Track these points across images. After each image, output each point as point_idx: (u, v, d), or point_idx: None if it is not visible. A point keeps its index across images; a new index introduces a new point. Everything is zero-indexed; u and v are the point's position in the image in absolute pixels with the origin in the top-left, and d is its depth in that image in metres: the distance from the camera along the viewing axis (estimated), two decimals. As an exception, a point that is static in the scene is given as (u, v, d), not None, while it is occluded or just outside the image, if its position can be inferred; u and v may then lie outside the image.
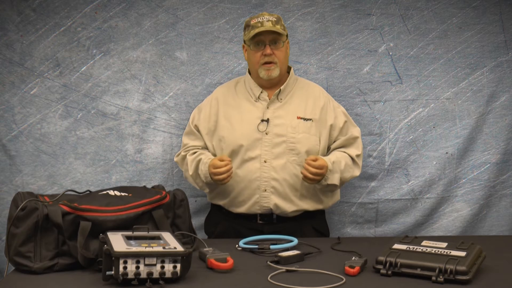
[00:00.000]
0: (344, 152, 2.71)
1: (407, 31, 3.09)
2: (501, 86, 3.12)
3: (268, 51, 2.60)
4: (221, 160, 2.55)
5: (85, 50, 3.00)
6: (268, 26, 2.58)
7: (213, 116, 2.74)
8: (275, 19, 2.62)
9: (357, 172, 2.74)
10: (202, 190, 2.77)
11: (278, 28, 2.59)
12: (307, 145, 2.65)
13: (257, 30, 2.57)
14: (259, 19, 2.61)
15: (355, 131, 2.77)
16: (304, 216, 2.70)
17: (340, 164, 2.64)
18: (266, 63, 2.62)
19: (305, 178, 2.56)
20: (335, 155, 2.67)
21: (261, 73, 2.64)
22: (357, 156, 2.72)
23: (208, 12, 3.04)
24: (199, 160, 2.67)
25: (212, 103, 2.77)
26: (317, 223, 2.78)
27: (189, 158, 2.72)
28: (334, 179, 2.61)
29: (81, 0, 2.98)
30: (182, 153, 2.79)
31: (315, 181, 2.57)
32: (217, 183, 2.58)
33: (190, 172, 2.69)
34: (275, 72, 2.63)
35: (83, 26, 2.99)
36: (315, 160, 2.53)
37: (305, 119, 2.67)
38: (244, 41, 2.70)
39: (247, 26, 2.65)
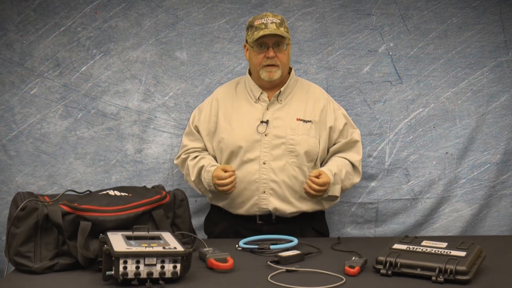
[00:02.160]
0: (345, 158, 2.70)
1: (407, 31, 3.09)
2: (501, 86, 3.12)
3: (271, 54, 2.57)
4: (225, 171, 2.55)
5: (85, 50, 3.00)
6: (272, 28, 2.55)
7: (213, 117, 2.73)
8: (279, 21, 2.58)
9: (357, 178, 2.74)
10: (204, 195, 2.78)
11: (282, 31, 2.56)
12: (307, 147, 2.64)
13: (261, 33, 2.54)
14: (263, 21, 2.57)
15: (356, 134, 2.75)
16: (304, 216, 2.69)
17: (341, 174, 2.63)
18: (268, 65, 2.60)
19: (307, 193, 2.56)
20: (336, 164, 2.65)
21: (263, 74, 2.62)
22: (358, 162, 2.72)
23: (208, 12, 3.04)
24: (201, 167, 2.66)
25: (213, 104, 2.76)
26: (317, 223, 2.77)
27: (190, 163, 2.71)
28: (335, 190, 2.61)
29: (81, 0, 2.98)
30: (183, 156, 2.77)
31: (317, 196, 2.57)
32: (221, 193, 2.59)
33: (192, 178, 2.69)
34: (277, 74, 2.61)
35: (83, 26, 2.99)
36: (318, 176, 2.53)
37: (304, 121, 2.66)
38: (246, 41, 2.67)
39: (251, 27, 2.61)
